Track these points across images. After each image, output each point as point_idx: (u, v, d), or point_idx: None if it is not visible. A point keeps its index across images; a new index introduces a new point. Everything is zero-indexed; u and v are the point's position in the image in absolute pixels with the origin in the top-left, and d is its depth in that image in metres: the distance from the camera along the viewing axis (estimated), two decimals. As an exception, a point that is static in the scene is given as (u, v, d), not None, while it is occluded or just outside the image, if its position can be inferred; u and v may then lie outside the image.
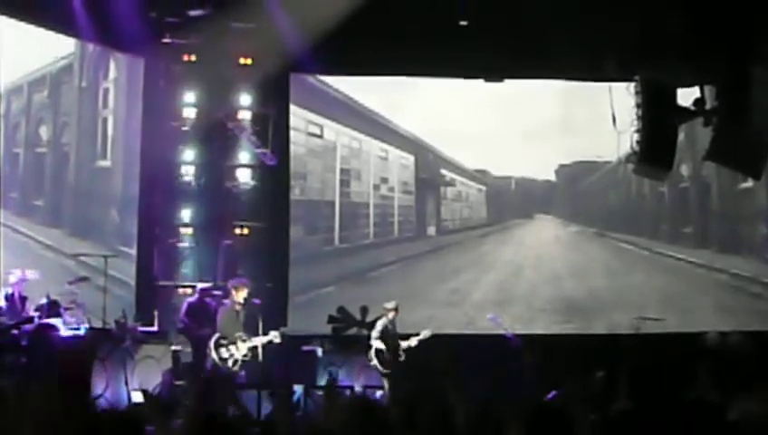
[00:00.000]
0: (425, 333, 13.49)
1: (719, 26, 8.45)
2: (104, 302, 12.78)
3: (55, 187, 15.00)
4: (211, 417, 5.02)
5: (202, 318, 13.00)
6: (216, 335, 12.21)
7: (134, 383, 11.82)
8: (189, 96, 14.66)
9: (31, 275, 12.05)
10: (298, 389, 13.12)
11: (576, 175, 17.16)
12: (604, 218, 16.99)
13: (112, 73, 15.56)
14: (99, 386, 11.29)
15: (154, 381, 12.06)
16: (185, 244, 14.72)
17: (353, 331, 14.97)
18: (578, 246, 16.84)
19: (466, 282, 16.22)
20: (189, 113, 14.67)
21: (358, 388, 13.40)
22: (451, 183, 17.26)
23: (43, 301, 11.82)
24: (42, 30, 13.80)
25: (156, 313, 13.55)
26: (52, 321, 11.49)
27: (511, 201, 17.35)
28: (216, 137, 14.88)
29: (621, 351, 12.84)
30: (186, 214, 14.71)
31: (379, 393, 13.13)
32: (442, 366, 13.42)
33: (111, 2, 13.34)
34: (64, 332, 11.41)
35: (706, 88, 9.44)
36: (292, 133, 15.99)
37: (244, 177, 15.06)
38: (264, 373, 12.59)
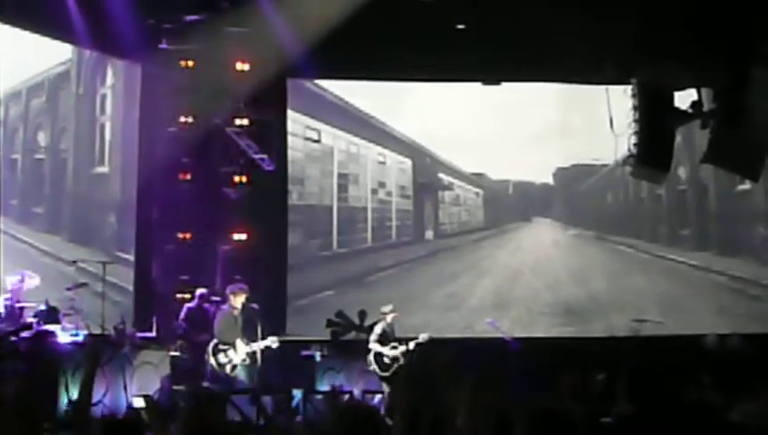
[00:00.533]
0: (423, 337, 13.48)
1: (716, 29, 8.46)
2: (103, 308, 12.77)
3: (54, 193, 14.99)
4: (209, 423, 5.00)
5: (201, 324, 13.00)
6: (215, 341, 12.21)
7: (133, 389, 11.81)
8: (186, 102, 14.66)
9: (30, 279, 12.03)
10: (297, 393, 13.10)
11: (574, 178, 17.16)
12: (602, 221, 17.00)
13: (110, 79, 15.57)
14: (98, 392, 11.27)
15: (153, 386, 12.04)
16: (183, 249, 14.71)
17: (352, 335, 14.97)
18: (576, 249, 16.85)
19: (464, 286, 16.23)
20: (187, 119, 14.68)
21: (357, 392, 13.39)
22: (449, 187, 17.26)
23: (42, 307, 11.82)
24: (39, 36, 13.82)
25: (154, 318, 13.55)
26: (51, 327, 11.48)
27: (509, 205, 17.35)
28: (214, 142, 14.88)
29: (621, 354, 12.83)
30: (184, 220, 14.70)
31: (377, 398, 13.12)
32: (438, 373, 13.39)
33: (108, 8, 13.34)
34: (63, 338, 11.40)
35: (703, 90, 9.44)
36: (289, 138, 16.00)
37: (242, 182, 15.05)
38: (263, 378, 12.58)
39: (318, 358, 14.16)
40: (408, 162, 16.95)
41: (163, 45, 14.52)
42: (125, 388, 11.73)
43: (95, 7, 13.26)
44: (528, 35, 14.19)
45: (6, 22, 13.13)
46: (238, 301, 12.43)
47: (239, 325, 12.36)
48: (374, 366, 13.36)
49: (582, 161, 16.85)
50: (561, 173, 17.15)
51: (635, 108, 9.26)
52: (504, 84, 16.12)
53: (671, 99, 9.41)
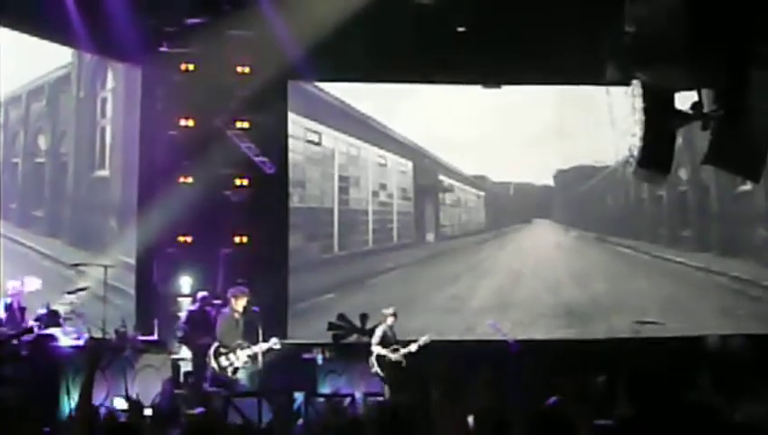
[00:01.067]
0: (424, 339, 13.48)
1: (717, 29, 8.45)
2: (104, 311, 12.76)
3: (54, 197, 14.98)
4: (211, 426, 5.01)
5: (202, 327, 13.00)
6: (216, 344, 12.21)
7: (134, 392, 11.80)
8: (187, 105, 14.67)
9: (31, 283, 12.03)
10: (299, 396, 13.09)
11: (574, 180, 17.15)
12: (603, 223, 16.98)
13: (110, 83, 15.57)
14: (99, 395, 11.26)
15: (154, 390, 12.03)
16: (184, 253, 14.72)
17: (353, 338, 14.96)
18: (577, 250, 16.83)
19: (465, 288, 16.22)
20: (187, 122, 14.68)
21: (358, 395, 13.38)
22: (449, 189, 17.25)
23: (43, 311, 11.82)
24: (39, 40, 13.82)
25: (155, 322, 13.55)
26: (52, 331, 11.48)
27: (509, 207, 17.33)
28: (215, 145, 14.89)
29: (622, 355, 12.83)
30: (184, 223, 14.70)
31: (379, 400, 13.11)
32: (435, 376, 13.42)
33: (109, 11, 13.35)
34: (64, 342, 11.40)
35: (704, 91, 9.44)
36: (290, 141, 16.01)
37: (243, 185, 15.06)
38: (265, 381, 12.57)
39: (320, 361, 14.15)
40: (409, 164, 16.95)
41: (163, 48, 14.54)
42: (126, 391, 11.72)
43: (95, 10, 13.27)
44: (528, 38, 14.19)
45: (7, 25, 13.14)
46: (240, 304, 12.43)
47: (240, 329, 12.36)
48: (376, 368, 13.35)
49: (583, 163, 16.84)
50: (561, 175, 17.14)
51: (636, 109, 9.25)
52: (505, 86, 16.12)
53: (672, 100, 9.39)
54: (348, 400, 13.05)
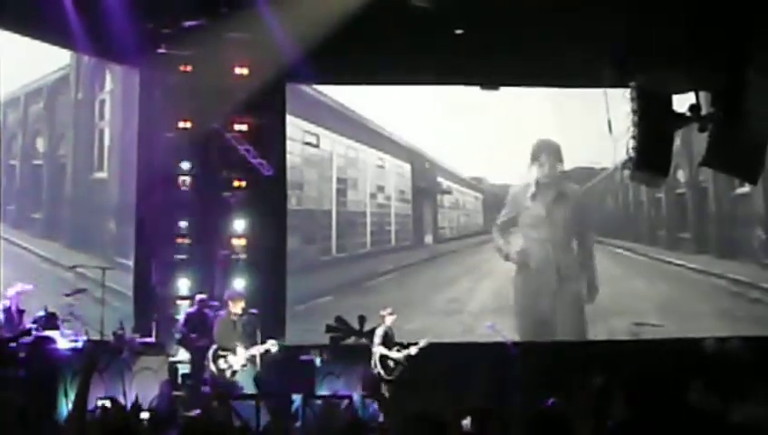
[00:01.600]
0: (423, 342, 13.46)
1: (714, 32, 8.46)
2: (102, 313, 12.76)
3: (52, 199, 14.97)
4: (209, 428, 5.01)
5: (200, 329, 12.99)
6: (214, 346, 12.21)
7: (132, 395, 11.79)
8: (185, 107, 14.66)
9: (24, 288, 12.02)
10: (297, 398, 13.09)
11: (573, 182, 17.12)
12: (601, 225, 16.97)
13: (108, 85, 15.57)
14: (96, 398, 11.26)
15: (152, 392, 12.03)
16: (182, 255, 14.72)
17: (351, 340, 14.97)
18: (576, 252, 16.80)
19: (464, 290, 16.20)
20: (185, 124, 14.68)
21: (356, 397, 13.38)
22: (448, 191, 17.24)
23: (41, 313, 11.81)
24: (37, 42, 13.81)
25: (153, 324, 13.54)
26: (50, 333, 11.47)
27: (508, 209, 17.29)
28: (213, 147, 14.89)
29: (621, 357, 12.83)
30: (183, 225, 14.71)
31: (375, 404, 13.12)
32: (436, 379, 13.45)
33: (107, 13, 13.34)
34: (62, 344, 11.39)
35: (702, 94, 9.45)
36: (288, 143, 16.00)
37: (241, 187, 15.05)
38: (262, 383, 12.57)
39: (318, 363, 14.15)
40: (407, 166, 16.94)
41: (162, 50, 14.53)
42: (124, 394, 11.71)
43: (93, 12, 13.26)
44: (527, 40, 14.19)
45: (5, 27, 13.13)
46: (237, 307, 12.43)
47: (238, 331, 12.35)
48: (379, 369, 13.30)
49: (581, 165, 16.83)
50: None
51: (633, 111, 9.25)
52: (503, 88, 16.13)
53: (669, 103, 9.41)
54: (346, 402, 13.07)
